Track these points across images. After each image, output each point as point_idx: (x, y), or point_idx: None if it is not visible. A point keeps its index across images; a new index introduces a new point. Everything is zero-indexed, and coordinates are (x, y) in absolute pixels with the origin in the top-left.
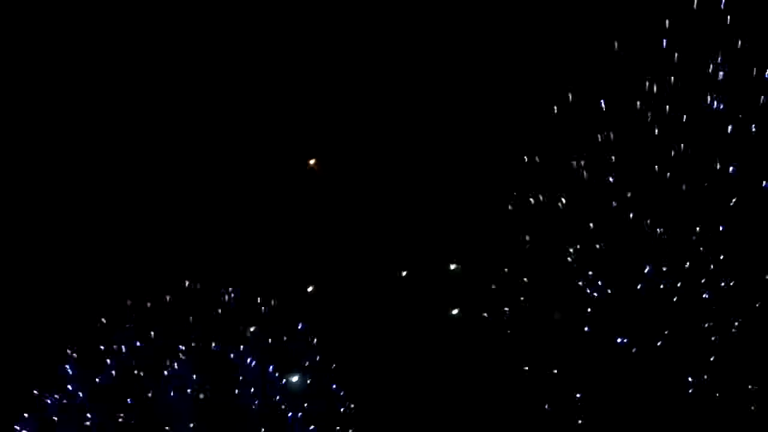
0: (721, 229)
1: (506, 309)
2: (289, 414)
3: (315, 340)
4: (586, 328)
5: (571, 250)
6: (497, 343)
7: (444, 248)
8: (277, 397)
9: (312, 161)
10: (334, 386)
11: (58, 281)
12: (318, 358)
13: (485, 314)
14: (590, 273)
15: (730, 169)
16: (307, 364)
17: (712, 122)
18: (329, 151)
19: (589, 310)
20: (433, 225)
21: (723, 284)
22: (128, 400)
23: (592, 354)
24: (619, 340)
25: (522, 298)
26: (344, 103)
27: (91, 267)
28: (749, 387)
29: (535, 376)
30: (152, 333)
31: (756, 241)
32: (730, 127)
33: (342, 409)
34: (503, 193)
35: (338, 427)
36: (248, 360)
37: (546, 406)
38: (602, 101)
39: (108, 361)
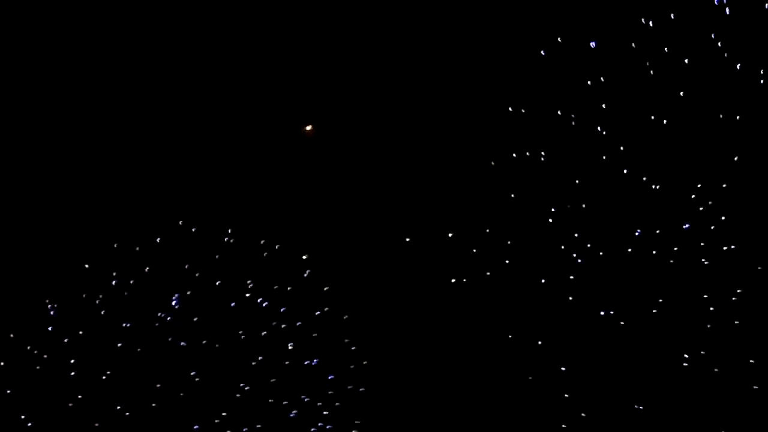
0: (723, 186)
1: (488, 273)
2: (304, 363)
3: (325, 288)
4: (570, 297)
5: (554, 210)
6: (479, 313)
7: (435, 213)
8: (289, 347)
9: (308, 127)
10: (347, 340)
11: (37, 223)
12: (326, 309)
13: (464, 280)
14: (576, 235)
15: (735, 119)
16: (317, 314)
17: (716, 68)
18: (325, 115)
19: (572, 277)
20: (422, 189)
21: (725, 248)
22: (117, 346)
23: (577, 324)
24: (603, 313)
25: (507, 262)
26: (335, 68)
27: (74, 208)
28: (750, 362)
29: (518, 348)
30: (143, 277)
31: (761, 203)
32: (738, 66)
33: (352, 366)
34: (485, 148)
35: (349, 386)
36: (249, 307)
37: (529, 378)
38: (593, 43)
39: (94, 305)
